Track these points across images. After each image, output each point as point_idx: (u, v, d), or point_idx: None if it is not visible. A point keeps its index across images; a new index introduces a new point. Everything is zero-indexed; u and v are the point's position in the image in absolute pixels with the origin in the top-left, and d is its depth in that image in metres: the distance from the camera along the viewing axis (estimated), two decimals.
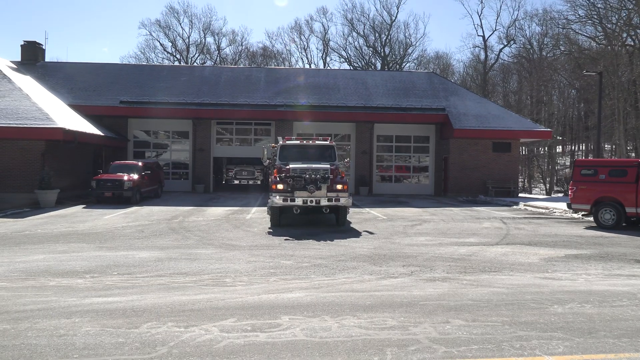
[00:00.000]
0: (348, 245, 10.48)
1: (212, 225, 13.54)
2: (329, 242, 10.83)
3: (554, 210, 18.55)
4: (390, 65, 54.59)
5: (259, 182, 28.02)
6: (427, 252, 9.66)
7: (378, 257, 9.13)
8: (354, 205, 19.03)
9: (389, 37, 55.28)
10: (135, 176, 19.43)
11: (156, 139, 27.53)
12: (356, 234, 12.23)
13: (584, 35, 37.32)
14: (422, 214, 17.35)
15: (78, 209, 17.24)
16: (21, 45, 28.15)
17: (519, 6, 74.97)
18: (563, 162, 45.59)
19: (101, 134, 22.98)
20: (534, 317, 5.54)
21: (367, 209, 18.86)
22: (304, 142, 14.33)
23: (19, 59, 28.10)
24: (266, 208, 13.69)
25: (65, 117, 21.28)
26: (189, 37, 57.74)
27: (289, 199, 12.45)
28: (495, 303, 6.08)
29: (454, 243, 10.94)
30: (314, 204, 12.51)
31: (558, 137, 45.93)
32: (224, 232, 12.37)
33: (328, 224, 14.05)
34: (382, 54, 54.94)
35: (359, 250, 9.87)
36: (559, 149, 49.52)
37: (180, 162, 27.35)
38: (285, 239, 11.10)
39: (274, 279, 7.25)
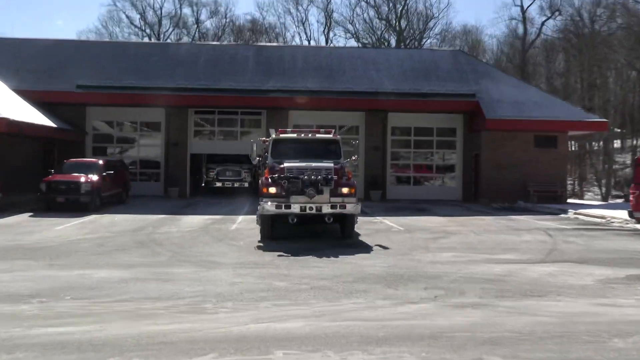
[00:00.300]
0: (356, 262, 10.43)
1: (189, 238, 13.50)
2: (332, 258, 10.78)
3: (612, 220, 18.49)
4: (408, 42, 54.69)
5: (246, 185, 28.06)
6: (454, 272, 9.61)
7: (393, 277, 9.08)
8: (364, 213, 18.97)
9: (405, 8, 55.40)
10: (94, 177, 19.44)
11: (121, 132, 27.60)
12: (366, 248, 12.19)
13: None
14: (447, 224, 17.28)
15: (24, 217, 17.23)
16: None
17: None
18: (623, 160, 45.41)
19: (53, 125, 23.00)
20: (589, 353, 5.48)
21: (379, 217, 18.80)
22: (302, 135, 14.33)
23: None
24: (255, 217, 13.65)
25: (9, 104, 21.32)
26: (161, 8, 58.01)
27: (283, 205, 12.44)
28: (540, 335, 6.03)
29: (488, 260, 10.88)
30: (314, 211, 12.51)
31: (616, 130, 45.84)
32: (203, 246, 12.32)
33: (331, 237, 13.97)
34: (398, 29, 55.05)
35: (369, 269, 9.82)
36: (617, 144, 49.34)
37: (150, 159, 27.38)
38: (279, 255, 11.06)
39: (265, 305, 7.22)
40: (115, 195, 21.45)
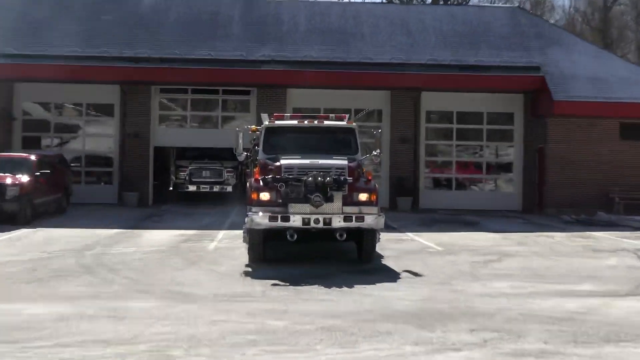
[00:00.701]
0: (378, 294, 10.41)
1: (152, 261, 13.50)
2: (345, 289, 10.75)
3: None
4: None
5: (229, 189, 28.10)
6: (512, 308, 9.57)
7: (429, 314, 9.05)
8: (389, 228, 18.88)
9: None
10: (24, 178, 19.52)
11: (60, 117, 27.75)
12: (392, 275, 12.15)
13: None
14: (502, 242, 17.21)
15: None
16: None
17: None
18: None
19: None
20: None
21: (410, 233, 18.74)
22: (305, 122, 14.35)
23: None
24: (241, 232, 13.67)
25: None
26: None
27: (279, 216, 12.43)
28: None
29: (557, 292, 10.83)
30: (321, 225, 12.48)
31: None
32: (171, 272, 12.31)
33: (344, 259, 13.94)
34: None
35: (396, 303, 9.80)
36: None
37: (99, 155, 27.49)
38: (274, 284, 11.04)
39: (255, 352, 7.21)
40: (53, 202, 21.52)
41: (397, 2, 52.91)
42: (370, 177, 13.46)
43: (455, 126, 27.80)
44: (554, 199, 25.43)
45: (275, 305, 9.55)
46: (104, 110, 27.33)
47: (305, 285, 11.02)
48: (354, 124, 14.63)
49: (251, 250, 13.14)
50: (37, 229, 18.14)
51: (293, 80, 25.80)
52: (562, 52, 27.37)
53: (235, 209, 24.30)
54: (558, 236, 18.74)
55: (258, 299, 10.01)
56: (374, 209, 12.77)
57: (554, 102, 24.87)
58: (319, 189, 12.36)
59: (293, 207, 12.45)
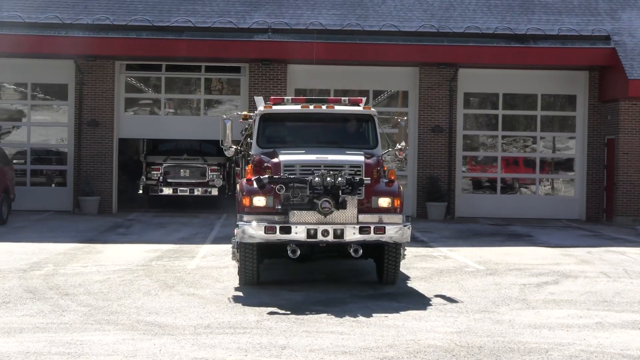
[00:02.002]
0: (403, 326, 10.42)
1: (117, 283, 13.53)
2: (362, 319, 10.77)
3: None
4: None
5: (214, 192, 28.12)
6: (572, 343, 9.56)
7: (467, 352, 9.06)
8: (416, 241, 18.89)
9: None
10: None
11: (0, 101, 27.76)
12: (420, 302, 12.17)
13: None
14: (560, 260, 17.18)
15: None
16: None
17: None
18: None
19: None
20: None
21: (443, 248, 18.75)
22: (311, 107, 14.38)
23: None
24: (230, 247, 13.71)
25: None
26: None
27: (278, 227, 12.44)
28: None
29: (631, 324, 10.81)
30: (330, 238, 12.50)
31: None
32: (142, 297, 12.35)
33: (360, 281, 13.97)
34: None
35: (426, 337, 9.81)
36: None
37: (49, 149, 27.59)
38: (271, 313, 11.07)
39: None
40: None
41: None
42: (393, 177, 13.38)
43: (501, 112, 27.75)
44: (628, 204, 25.39)
45: (272, 338, 9.55)
46: (55, 92, 27.46)
47: (311, 313, 11.03)
48: (372, 109, 14.61)
49: (242, 270, 13.12)
50: None
51: (295, 54, 25.82)
52: (638, 18, 27.33)
53: (222, 217, 24.36)
54: (632, 252, 18.64)
55: (251, 330, 10.00)
56: (398, 218, 12.79)
57: (629, 81, 24.79)
58: (328, 193, 12.33)
59: (295, 215, 12.46)
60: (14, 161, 25.54)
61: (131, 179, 30.39)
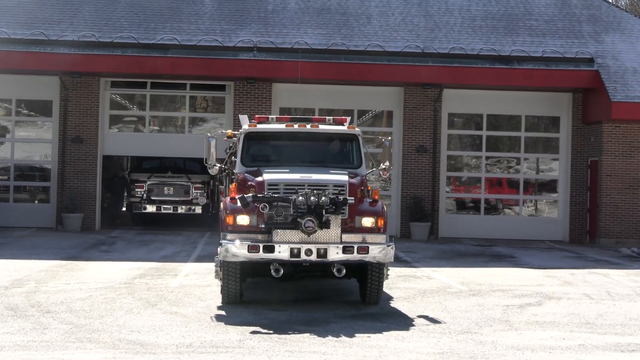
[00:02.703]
0: (386, 346, 10.42)
1: (99, 301, 13.46)
2: (344, 338, 10.76)
3: None
4: None
5: (198, 210, 28.04)
6: None
7: None
8: (400, 261, 18.87)
9: None
10: None
11: None
12: (403, 322, 12.16)
13: None
14: (543, 281, 17.21)
15: None
16: None
17: None
18: None
19: None
20: None
21: (426, 269, 18.74)
22: (295, 126, 14.39)
23: None
24: (213, 265, 13.67)
25: None
26: None
27: (261, 246, 12.43)
28: None
29: (613, 346, 10.83)
30: (314, 257, 12.49)
31: None
32: (124, 315, 12.29)
33: (343, 301, 13.94)
34: None
35: (408, 357, 9.82)
36: None
37: (32, 165, 27.44)
38: (254, 332, 11.05)
39: None
40: None
41: None
42: (377, 197, 13.40)
43: (485, 133, 27.80)
44: (611, 226, 25.42)
45: (254, 358, 9.55)
46: (39, 108, 27.34)
47: (293, 333, 11.01)
48: (356, 129, 14.62)
49: (225, 289, 13.09)
50: None
51: (280, 73, 25.81)
52: (622, 40, 27.48)
53: (205, 236, 24.28)
54: (615, 274, 18.66)
55: (233, 350, 9.99)
56: (382, 238, 12.79)
57: (612, 103, 24.85)
58: (312, 212, 12.34)
59: (279, 234, 12.46)
60: None
61: (115, 196, 30.24)
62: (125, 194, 29.14)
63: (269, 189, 12.73)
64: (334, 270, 12.66)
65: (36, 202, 27.28)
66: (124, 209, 29.79)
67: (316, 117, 16.57)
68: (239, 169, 13.96)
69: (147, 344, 10.30)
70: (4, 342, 10.22)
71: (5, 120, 27.50)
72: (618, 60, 26.45)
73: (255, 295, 14.01)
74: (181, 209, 28.07)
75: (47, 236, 23.79)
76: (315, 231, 12.34)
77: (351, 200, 12.68)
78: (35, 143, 27.41)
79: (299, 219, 12.31)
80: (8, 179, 26.71)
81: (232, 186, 13.54)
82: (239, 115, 15.94)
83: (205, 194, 27.97)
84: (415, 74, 26.18)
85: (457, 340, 10.92)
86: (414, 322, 12.18)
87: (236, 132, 15.07)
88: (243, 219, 12.66)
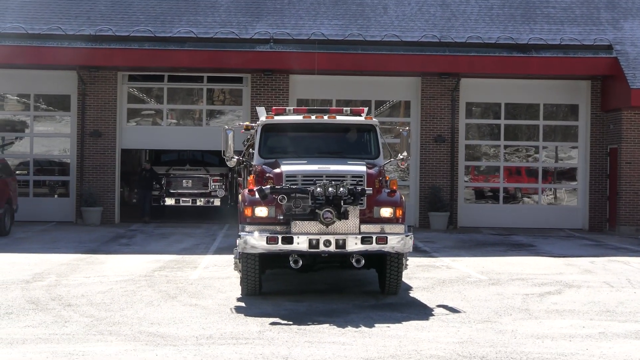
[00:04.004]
0: (405, 336, 10.43)
1: (119, 294, 13.54)
2: (364, 329, 10.78)
3: None
4: None
5: (216, 202, 28.09)
6: (576, 353, 9.55)
7: None
8: (418, 251, 18.88)
9: None
10: None
11: (2, 112, 27.74)
12: (422, 312, 12.17)
13: None
14: (563, 270, 17.18)
15: None
16: None
17: None
18: None
19: None
20: None
21: (445, 258, 18.76)
22: (313, 117, 14.40)
23: None
24: (232, 257, 13.71)
25: None
26: None
27: (280, 238, 12.46)
28: None
29: (634, 334, 10.80)
30: (332, 248, 12.52)
31: None
32: (144, 308, 12.35)
33: (362, 292, 13.97)
34: None
35: (428, 347, 9.80)
36: None
37: (52, 159, 27.55)
38: (273, 323, 11.08)
39: None
40: None
41: None
42: (395, 187, 13.40)
43: (503, 122, 27.76)
44: (631, 214, 25.36)
45: (274, 349, 9.56)
46: (58, 103, 27.50)
47: (313, 324, 11.04)
48: (374, 119, 14.64)
49: (244, 281, 13.14)
50: None
51: (297, 65, 25.79)
52: None
53: (224, 228, 24.35)
54: (635, 262, 18.62)
55: (253, 341, 10.01)
56: (400, 228, 12.79)
57: (632, 90, 24.72)
58: (330, 203, 12.37)
59: (297, 225, 12.49)
60: (17, 172, 25.54)
61: (142, 191, 30.20)
62: (158, 186, 28.28)
63: (287, 181, 12.74)
64: (353, 260, 12.67)
65: (56, 196, 27.44)
66: (159, 203, 28.73)
67: (333, 108, 16.61)
68: (256, 160, 13.99)
69: (168, 335, 10.35)
70: (26, 336, 10.30)
71: (24, 115, 27.67)
72: (637, 47, 26.30)
73: (274, 287, 14.05)
74: (200, 202, 28.11)
75: (67, 230, 23.94)
76: (333, 222, 12.36)
77: (369, 190, 12.67)
78: (54, 137, 27.56)
79: (317, 210, 12.33)
80: (28, 174, 26.84)
81: (250, 178, 13.61)
82: (257, 107, 15.98)
83: (223, 187, 28.01)
84: (433, 63, 26.12)
85: (476, 330, 10.91)
86: (433, 312, 12.19)
87: (253, 124, 15.11)
88: (261, 211, 12.67)
